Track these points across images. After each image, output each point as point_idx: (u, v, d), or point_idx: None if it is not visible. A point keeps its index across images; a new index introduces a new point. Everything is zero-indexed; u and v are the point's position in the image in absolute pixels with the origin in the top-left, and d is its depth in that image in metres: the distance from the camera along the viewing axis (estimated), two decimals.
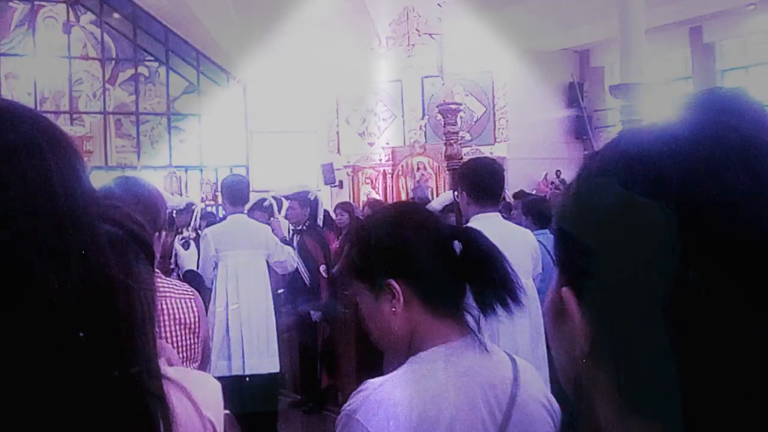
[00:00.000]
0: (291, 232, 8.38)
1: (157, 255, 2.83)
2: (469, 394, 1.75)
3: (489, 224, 4.09)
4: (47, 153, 0.72)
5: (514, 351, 2.00)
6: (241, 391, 5.94)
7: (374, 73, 19.79)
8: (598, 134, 18.94)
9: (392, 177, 18.62)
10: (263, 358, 6.47)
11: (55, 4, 20.17)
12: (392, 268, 1.85)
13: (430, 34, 15.41)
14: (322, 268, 8.04)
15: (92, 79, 20.53)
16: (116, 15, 20.67)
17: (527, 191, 11.09)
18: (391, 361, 1.89)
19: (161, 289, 2.86)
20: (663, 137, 0.65)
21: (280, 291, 6.83)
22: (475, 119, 19.51)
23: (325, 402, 8.19)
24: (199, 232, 7.73)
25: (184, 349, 2.95)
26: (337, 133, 21.16)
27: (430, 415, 1.69)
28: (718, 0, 16.28)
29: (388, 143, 19.87)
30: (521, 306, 1.81)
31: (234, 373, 6.26)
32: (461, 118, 13.34)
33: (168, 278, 3.31)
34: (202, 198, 19.02)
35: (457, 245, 1.83)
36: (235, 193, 6.65)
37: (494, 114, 19.61)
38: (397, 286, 1.82)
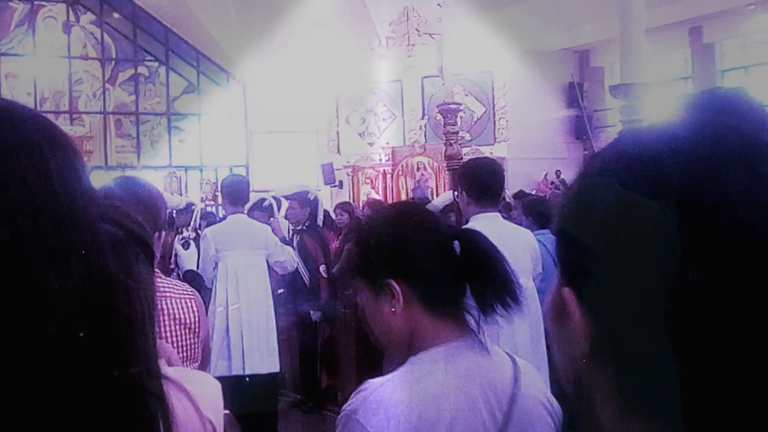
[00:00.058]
0: (291, 232, 8.38)
1: (157, 255, 2.84)
2: (469, 394, 1.75)
3: (489, 224, 4.09)
4: (47, 153, 0.72)
5: (514, 351, 2.00)
6: (241, 391, 5.93)
7: (374, 73, 19.79)
8: (597, 134, 18.94)
9: (392, 177, 18.62)
10: (263, 358, 6.47)
11: (54, 4, 20.17)
12: (392, 268, 1.85)
13: (430, 34, 15.41)
14: (322, 268, 8.04)
15: (92, 79, 20.53)
16: (116, 15, 20.66)
17: (527, 191, 11.10)
18: (391, 361, 1.89)
19: (161, 289, 2.86)
20: (663, 138, 0.65)
21: (280, 291, 6.83)
22: (475, 119, 19.51)
23: (324, 402, 8.19)
24: (199, 232, 7.73)
25: (185, 349, 2.95)
26: (337, 133, 21.16)
27: (430, 416, 1.69)
28: (718, 0, 16.28)
29: (388, 143, 19.86)
30: (521, 306, 1.81)
31: (234, 373, 6.26)
32: (461, 118, 13.34)
33: (168, 278, 3.31)
34: (202, 198, 19.02)
35: (457, 245, 1.83)
36: (235, 193, 6.65)
37: (494, 114, 19.61)
38: (396, 287, 1.82)
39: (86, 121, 20.33)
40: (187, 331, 2.95)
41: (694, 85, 18.07)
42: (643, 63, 8.97)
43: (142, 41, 20.90)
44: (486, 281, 1.80)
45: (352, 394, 1.76)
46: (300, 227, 8.18)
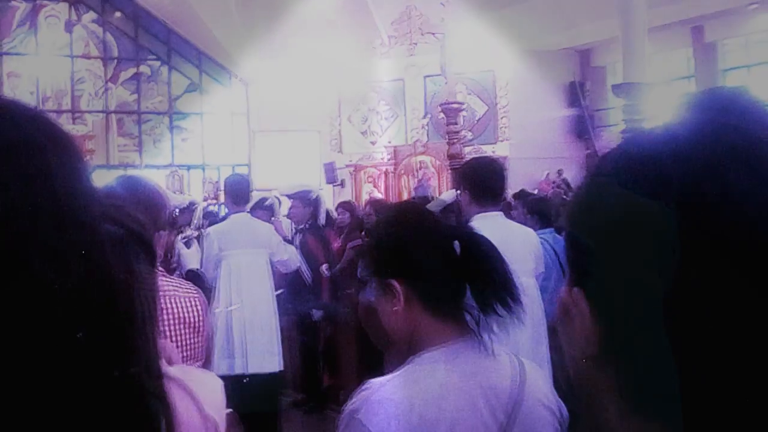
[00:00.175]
0: (293, 231, 8.38)
1: (160, 254, 2.84)
2: (469, 395, 1.75)
3: (491, 223, 4.09)
4: (49, 152, 0.72)
5: (515, 350, 1.99)
6: (243, 390, 5.93)
7: (376, 71, 19.81)
8: (599, 133, 18.94)
9: (394, 176, 18.60)
10: (266, 357, 6.46)
11: (57, 3, 20.19)
12: (392, 268, 1.86)
13: (432, 33, 15.40)
14: (324, 267, 8.04)
15: (94, 78, 20.54)
16: (118, 14, 20.68)
17: (529, 190, 11.09)
18: (392, 361, 1.89)
19: (165, 288, 2.86)
20: (665, 139, 0.65)
21: (279, 291, 6.82)
22: (477, 118, 19.51)
23: (326, 401, 8.18)
24: (202, 230, 7.72)
25: (188, 347, 2.94)
26: (340, 131, 21.15)
27: (430, 416, 1.69)
28: None
29: (390, 142, 19.86)
30: (521, 306, 1.81)
31: (236, 372, 6.26)
32: (463, 117, 13.35)
33: (171, 277, 3.31)
34: (205, 197, 19.02)
35: (457, 245, 1.83)
36: (238, 192, 6.66)
37: (496, 113, 19.61)
38: (397, 286, 1.83)
39: (88, 120, 20.35)
40: (190, 329, 2.95)
41: (696, 84, 18.06)
42: (645, 62, 8.96)
43: (144, 40, 20.91)
44: (486, 281, 1.80)
45: (354, 394, 1.76)
46: (302, 226, 8.18)
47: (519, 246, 4.41)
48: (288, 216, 8.42)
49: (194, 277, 5.93)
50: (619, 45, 9.50)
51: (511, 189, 8.89)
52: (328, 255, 8.16)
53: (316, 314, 8.10)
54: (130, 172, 16.27)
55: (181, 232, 7.86)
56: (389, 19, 18.33)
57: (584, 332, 0.68)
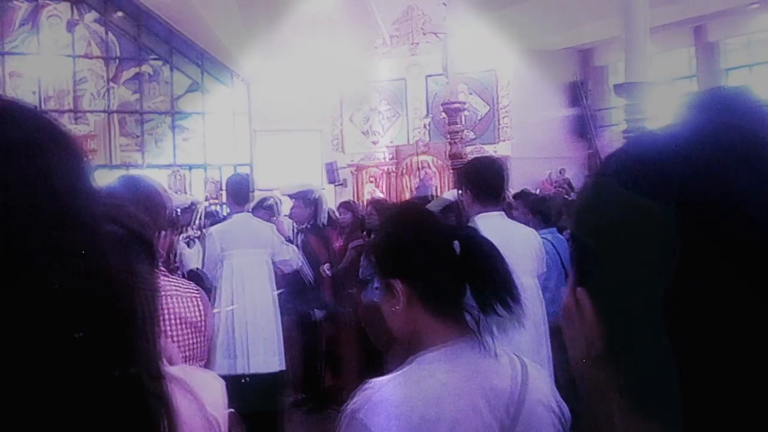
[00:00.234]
0: (295, 230, 8.38)
1: (162, 254, 2.84)
2: (470, 395, 1.75)
3: (492, 223, 4.09)
4: (50, 151, 0.72)
5: (516, 351, 1.99)
6: (245, 390, 5.93)
7: (378, 71, 19.81)
8: (601, 133, 18.93)
9: (396, 176, 18.60)
10: (268, 356, 6.47)
11: (58, 3, 20.19)
12: (393, 268, 1.86)
13: (434, 33, 15.40)
14: (326, 266, 8.04)
15: (96, 78, 20.55)
16: (120, 13, 20.68)
17: (531, 190, 11.09)
18: (393, 361, 1.89)
19: (167, 288, 2.86)
20: (669, 140, 0.65)
21: (278, 291, 6.82)
22: (478, 118, 19.50)
23: (327, 401, 8.18)
24: (203, 230, 7.73)
25: (190, 347, 2.94)
26: (341, 131, 21.15)
27: (431, 416, 1.69)
28: None
29: (392, 142, 19.86)
30: (521, 306, 1.81)
31: (238, 371, 6.26)
32: (465, 116, 13.36)
33: (173, 277, 3.31)
34: (206, 197, 19.03)
35: (457, 245, 1.83)
36: (239, 192, 6.67)
37: (498, 112, 19.60)
38: (398, 286, 1.83)
39: (90, 120, 20.36)
40: (192, 329, 2.95)
41: (698, 83, 18.05)
42: (647, 62, 8.95)
43: (145, 40, 20.92)
44: (486, 281, 1.80)
45: (355, 393, 1.76)
46: (303, 226, 8.19)
47: (520, 246, 4.41)
48: (289, 216, 8.42)
49: (195, 277, 5.94)
50: (621, 45, 9.48)
51: (513, 189, 8.89)
52: (330, 255, 8.16)
53: (318, 314, 8.10)
54: (132, 171, 16.28)
55: (183, 232, 7.86)
56: (391, 19, 18.32)
57: (588, 332, 0.68)
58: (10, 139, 0.71)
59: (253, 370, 6.34)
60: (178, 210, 8.55)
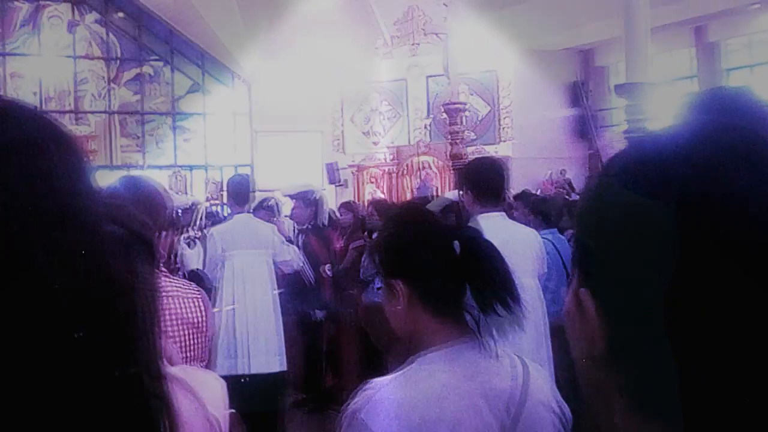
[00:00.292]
0: (295, 231, 8.38)
1: (163, 254, 2.84)
2: (470, 396, 1.75)
3: (493, 223, 4.09)
4: (51, 152, 0.72)
5: (516, 352, 1.99)
6: (246, 390, 5.94)
7: (379, 72, 19.80)
8: (601, 133, 18.93)
9: (397, 176, 18.60)
10: (269, 357, 6.48)
11: (59, 4, 20.19)
12: (394, 268, 1.86)
13: (435, 34, 15.41)
14: (327, 267, 8.05)
15: (97, 79, 20.55)
16: (121, 14, 20.68)
17: (531, 190, 11.10)
18: (393, 361, 1.90)
19: (168, 288, 2.86)
20: (666, 141, 0.66)
21: (276, 291, 6.83)
22: (479, 118, 19.49)
23: (328, 401, 8.18)
24: (204, 231, 7.73)
25: (192, 348, 2.95)
26: (342, 132, 21.15)
27: (431, 416, 1.69)
28: None
29: (392, 142, 19.85)
30: (521, 306, 1.81)
31: (240, 372, 6.27)
32: (465, 117, 13.36)
33: (175, 277, 3.31)
34: (207, 197, 19.04)
35: (457, 245, 1.83)
36: (240, 193, 6.68)
37: (499, 113, 19.59)
38: (399, 286, 1.83)
39: (91, 121, 20.36)
40: (194, 330, 2.95)
41: (699, 84, 18.05)
42: (648, 62, 8.95)
43: (146, 40, 20.93)
44: (486, 281, 1.80)
45: (357, 392, 1.76)
46: (304, 227, 8.19)
47: (521, 246, 4.41)
48: (290, 216, 8.42)
49: (196, 278, 5.94)
50: (622, 45, 9.48)
51: (514, 189, 8.89)
52: (331, 255, 8.16)
53: (319, 314, 8.10)
54: (133, 172, 16.29)
55: (184, 232, 7.86)
56: (392, 19, 18.32)
57: (590, 332, 0.68)
58: (10, 139, 0.71)
59: (254, 371, 6.35)
60: (179, 210, 8.56)
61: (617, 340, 0.66)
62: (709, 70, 18.05)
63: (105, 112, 20.52)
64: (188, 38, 20.78)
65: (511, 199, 8.15)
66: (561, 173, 18.54)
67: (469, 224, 1.98)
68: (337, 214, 9.17)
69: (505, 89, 19.49)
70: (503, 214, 4.67)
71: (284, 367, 6.66)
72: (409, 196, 17.30)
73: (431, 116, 19.39)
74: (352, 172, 19.52)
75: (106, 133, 20.39)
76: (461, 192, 4.99)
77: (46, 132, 0.74)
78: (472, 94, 19.10)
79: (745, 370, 0.59)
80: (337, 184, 19.46)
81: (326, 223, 8.36)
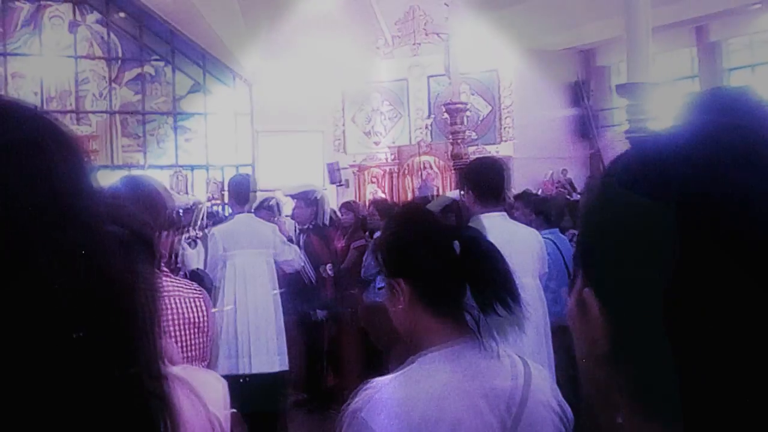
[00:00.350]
0: (297, 231, 8.39)
1: (164, 254, 2.84)
2: (471, 396, 1.75)
3: (493, 223, 4.09)
4: (52, 151, 0.72)
5: (517, 351, 1.99)
6: (247, 390, 5.94)
7: (380, 72, 19.79)
8: (603, 133, 18.92)
9: (398, 176, 18.59)
10: (270, 356, 6.48)
11: (60, 4, 20.19)
12: (395, 267, 1.87)
13: (436, 34, 15.41)
14: (328, 267, 8.05)
15: (98, 79, 20.55)
16: (122, 14, 20.68)
17: (533, 190, 11.09)
18: (394, 361, 1.90)
19: (170, 288, 2.87)
20: (666, 142, 0.66)
21: (275, 291, 6.83)
22: (480, 118, 19.48)
23: (329, 401, 8.18)
24: (205, 231, 7.74)
25: (194, 348, 2.95)
26: (343, 132, 21.14)
27: (432, 416, 1.69)
28: None
29: (393, 142, 19.85)
30: (521, 306, 1.81)
31: (241, 371, 6.28)
32: (467, 117, 13.35)
33: (176, 277, 3.31)
34: (208, 197, 19.03)
35: (457, 245, 1.83)
36: (241, 193, 6.69)
37: (500, 113, 19.58)
38: (400, 285, 1.84)
39: (92, 121, 20.37)
40: (196, 330, 2.95)
41: (701, 83, 18.04)
42: (649, 62, 8.93)
43: (147, 40, 20.92)
44: (486, 281, 1.80)
45: (357, 392, 1.77)
46: (306, 226, 8.19)
47: (521, 246, 4.41)
48: (291, 216, 8.43)
49: (197, 277, 5.94)
50: (623, 45, 9.47)
51: (515, 189, 8.89)
52: (332, 255, 8.17)
53: (320, 314, 8.11)
54: (134, 172, 16.30)
55: (185, 232, 7.87)
56: (393, 19, 18.31)
57: (594, 332, 0.68)
58: (10, 138, 0.71)
59: (255, 370, 6.35)
60: (180, 210, 8.57)
61: (621, 340, 0.66)
62: (710, 70, 18.05)
63: (106, 112, 20.52)
64: (189, 38, 20.78)
65: (511, 199, 8.16)
66: (562, 173, 18.54)
67: (470, 224, 1.98)
68: (338, 214, 9.17)
69: (506, 89, 19.49)
70: (504, 214, 4.67)
71: (285, 367, 6.66)
72: (410, 196, 17.30)
73: (432, 116, 19.38)
74: (353, 172, 19.51)
75: (107, 133, 20.39)
76: (462, 192, 5.00)
77: (47, 132, 0.74)
78: (473, 94, 19.10)
79: (746, 371, 0.59)
80: (338, 183, 19.45)
81: (327, 222, 8.37)
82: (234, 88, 21.34)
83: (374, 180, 19.06)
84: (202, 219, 9.00)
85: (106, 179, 2.74)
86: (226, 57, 20.57)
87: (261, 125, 20.85)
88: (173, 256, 6.20)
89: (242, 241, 6.47)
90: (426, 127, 19.63)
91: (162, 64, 21.11)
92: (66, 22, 20.28)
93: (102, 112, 20.50)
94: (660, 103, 8.47)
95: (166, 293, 2.78)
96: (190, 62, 21.19)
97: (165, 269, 2.91)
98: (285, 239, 7.06)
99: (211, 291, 6.26)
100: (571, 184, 17.84)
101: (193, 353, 2.95)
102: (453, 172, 14.10)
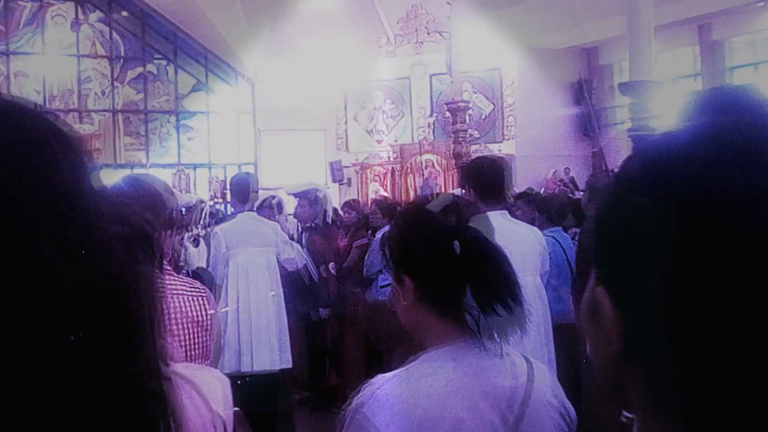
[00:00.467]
0: (300, 229, 8.39)
1: (167, 253, 2.84)
2: (473, 394, 1.75)
3: (495, 222, 4.09)
4: (54, 150, 0.72)
5: (519, 350, 2.00)
6: (250, 388, 5.95)
7: (382, 70, 19.80)
8: (605, 132, 18.90)
9: (400, 174, 18.60)
10: (273, 354, 6.49)
11: (63, 3, 20.20)
12: (401, 265, 1.87)
13: (438, 32, 15.41)
14: (331, 265, 8.05)
15: (101, 77, 20.57)
16: (124, 13, 20.70)
17: (535, 189, 11.09)
18: (396, 360, 1.91)
19: (173, 286, 2.87)
20: (666, 143, 0.66)
21: (277, 290, 6.84)
22: (482, 116, 19.48)
23: (332, 399, 8.19)
24: (208, 229, 7.75)
25: (197, 346, 2.95)
26: (345, 130, 21.15)
27: (434, 413, 1.69)
28: None
29: (396, 141, 19.85)
30: (522, 306, 1.81)
31: (244, 370, 6.28)
32: (469, 115, 13.36)
33: (179, 276, 3.31)
34: (211, 196, 19.05)
35: (457, 245, 1.83)
36: (243, 191, 6.69)
37: (502, 111, 19.58)
38: (406, 282, 1.85)
39: (95, 119, 20.39)
40: (199, 328, 2.95)
41: (703, 82, 18.02)
42: (652, 60, 8.93)
43: (150, 39, 20.93)
44: (486, 281, 1.80)
45: (361, 388, 1.77)
46: (308, 225, 8.20)
47: (523, 244, 4.41)
48: (294, 215, 8.43)
49: (202, 275, 5.95)
50: (625, 43, 9.47)
51: (517, 187, 8.89)
52: (334, 254, 8.17)
53: (323, 313, 8.11)
54: (137, 171, 16.31)
55: (188, 231, 7.88)
56: (395, 18, 18.34)
57: (607, 332, 0.69)
58: (13, 137, 0.71)
59: (258, 369, 6.35)
60: (183, 209, 8.57)
61: (633, 340, 0.66)
62: (712, 69, 18.03)
63: (109, 110, 20.54)
64: (192, 37, 20.79)
65: (512, 198, 8.16)
66: (565, 171, 18.53)
67: (473, 223, 1.98)
68: (341, 213, 9.18)
69: (508, 87, 19.48)
70: (505, 212, 4.67)
71: (288, 365, 6.67)
72: (412, 195, 17.31)
73: (434, 114, 19.38)
74: (356, 171, 19.52)
75: (109, 132, 20.41)
76: (464, 190, 5.00)
77: (48, 131, 0.74)
78: (475, 93, 19.10)
79: (747, 371, 0.59)
80: (340, 182, 19.45)
81: (330, 221, 8.37)
82: (236, 86, 21.35)
83: (376, 178, 19.06)
84: (205, 217, 9.00)
85: (109, 178, 2.75)
86: (229, 56, 20.58)
87: (263, 124, 20.86)
88: (176, 255, 6.21)
89: (245, 240, 6.47)
90: (428, 126, 19.62)
91: (164, 62, 21.13)
92: (68, 21, 20.29)
93: (104, 110, 20.51)
94: (662, 101, 8.47)
95: (169, 292, 2.79)
96: (193, 61, 21.20)
97: (168, 268, 2.92)
98: (287, 238, 7.06)
99: (212, 288, 6.27)
100: (573, 182, 17.83)
101: (196, 352, 2.95)
102: (455, 170, 14.11)
